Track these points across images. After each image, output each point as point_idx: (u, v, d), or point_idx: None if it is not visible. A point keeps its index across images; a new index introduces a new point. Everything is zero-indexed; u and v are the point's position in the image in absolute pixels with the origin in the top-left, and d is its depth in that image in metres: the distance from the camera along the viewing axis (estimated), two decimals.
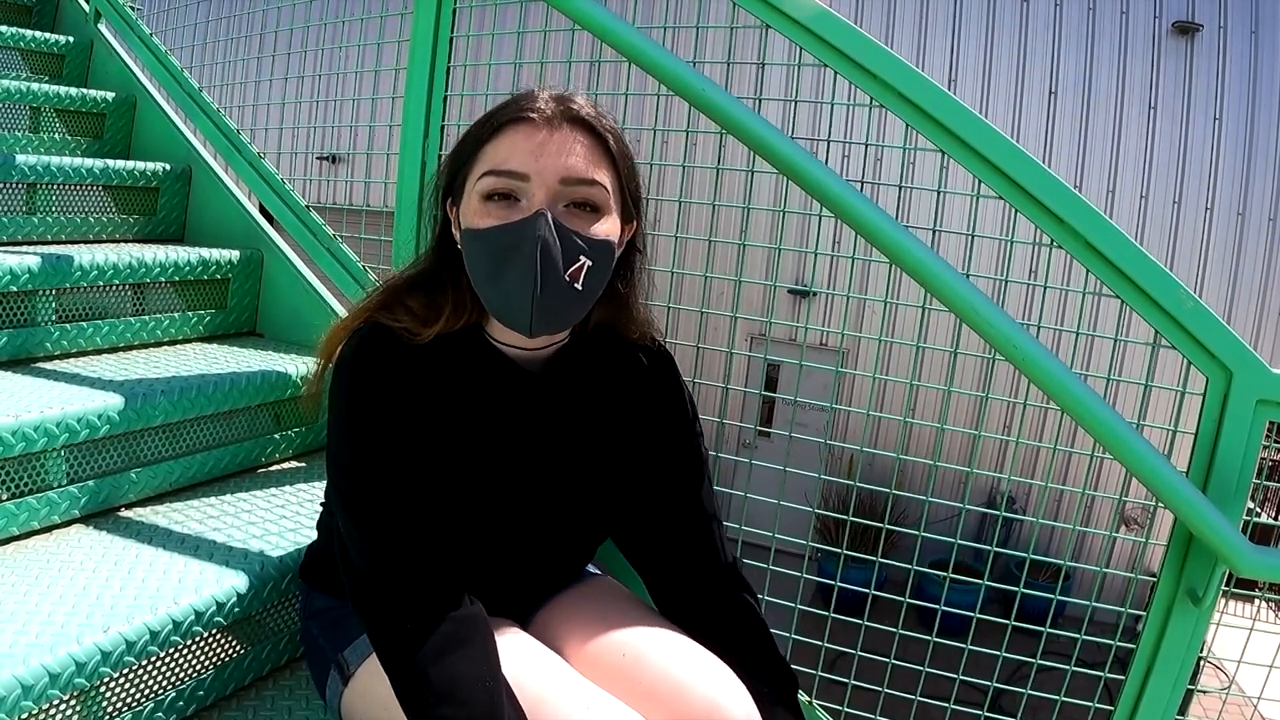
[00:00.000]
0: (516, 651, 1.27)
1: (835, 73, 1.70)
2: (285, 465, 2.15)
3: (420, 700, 1.16)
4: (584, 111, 1.24)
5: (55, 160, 2.34)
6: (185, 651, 1.47)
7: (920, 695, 1.94)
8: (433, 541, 1.26)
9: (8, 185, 2.28)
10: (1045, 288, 1.77)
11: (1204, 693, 1.87)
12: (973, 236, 1.77)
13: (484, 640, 1.21)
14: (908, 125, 1.66)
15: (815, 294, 8.43)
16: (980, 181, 1.64)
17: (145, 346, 2.26)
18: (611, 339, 1.42)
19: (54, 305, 2.06)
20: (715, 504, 1.49)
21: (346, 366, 1.28)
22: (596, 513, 1.45)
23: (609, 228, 1.24)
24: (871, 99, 1.68)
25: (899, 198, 6.90)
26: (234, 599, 1.51)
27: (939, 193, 1.76)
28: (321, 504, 1.53)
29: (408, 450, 1.26)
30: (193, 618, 1.43)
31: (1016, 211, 1.62)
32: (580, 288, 1.22)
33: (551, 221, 1.18)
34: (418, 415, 1.28)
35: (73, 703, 1.30)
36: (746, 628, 1.43)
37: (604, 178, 1.23)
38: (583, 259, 1.20)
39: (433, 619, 1.19)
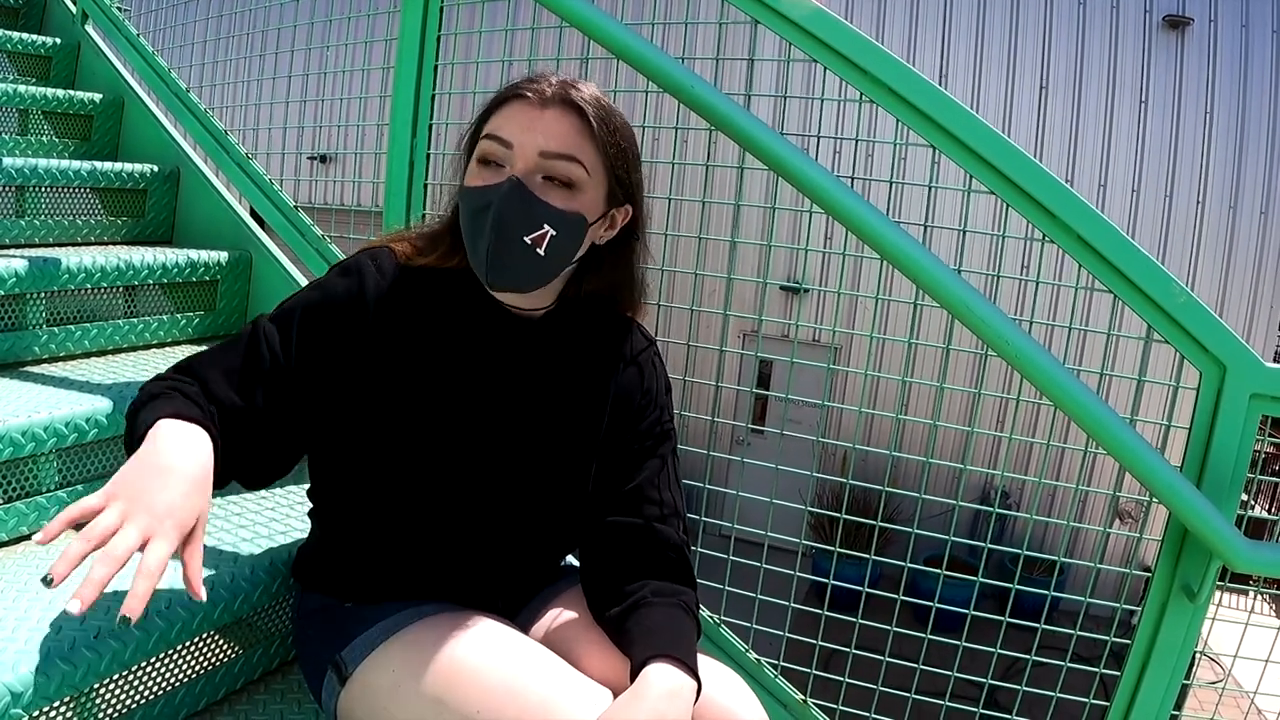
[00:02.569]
0: (519, 652, 1.27)
1: (825, 69, 1.69)
2: None
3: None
4: (578, 96, 1.31)
5: (43, 163, 2.33)
6: (176, 656, 1.46)
7: (915, 692, 1.94)
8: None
9: None
10: (1038, 283, 1.77)
11: (1200, 687, 1.86)
12: (964, 232, 1.77)
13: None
14: (898, 121, 1.66)
15: (807, 291, 8.44)
16: (972, 177, 1.64)
17: (135, 349, 2.25)
18: (601, 311, 1.47)
19: (43, 309, 2.05)
20: (671, 494, 1.47)
21: (343, 261, 1.39)
22: (570, 480, 1.44)
23: (582, 204, 1.31)
24: (862, 95, 1.67)
25: (890, 194, 6.91)
26: (224, 603, 1.49)
27: (930, 188, 1.76)
28: (308, 494, 1.53)
29: (326, 346, 1.33)
30: (183, 623, 1.42)
31: (1008, 207, 1.62)
32: (542, 253, 1.29)
33: (517, 184, 1.26)
34: (392, 335, 1.34)
35: (64, 709, 1.29)
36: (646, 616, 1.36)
37: (585, 157, 1.30)
38: (547, 227, 1.28)
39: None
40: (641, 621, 1.32)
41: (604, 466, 1.46)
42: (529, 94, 1.29)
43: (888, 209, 1.64)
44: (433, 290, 1.38)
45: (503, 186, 1.26)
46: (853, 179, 1.75)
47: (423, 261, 1.38)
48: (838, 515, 2.05)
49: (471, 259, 1.33)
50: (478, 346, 1.38)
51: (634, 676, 1.22)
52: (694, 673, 1.24)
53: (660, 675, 1.21)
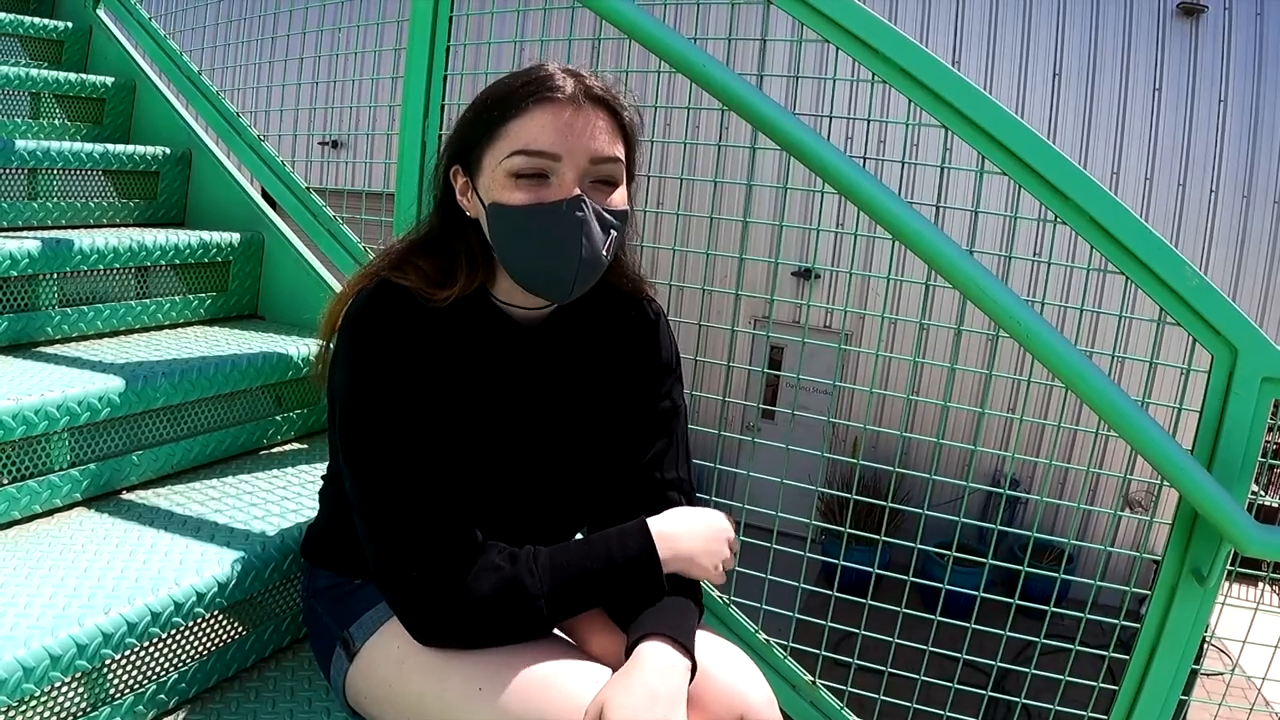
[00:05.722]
0: None
1: (838, 49, 1.69)
2: (287, 447, 2.15)
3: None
4: (600, 90, 1.29)
5: (55, 145, 2.33)
6: (187, 633, 1.47)
7: (924, 676, 1.94)
8: (452, 493, 1.27)
9: (8, 171, 2.27)
10: (1050, 264, 1.76)
11: (1208, 675, 1.86)
12: (977, 213, 1.76)
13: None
14: (911, 101, 1.65)
15: (818, 276, 8.42)
16: (984, 158, 1.63)
17: (146, 330, 2.26)
18: (604, 290, 1.45)
19: (55, 290, 2.06)
20: (679, 472, 1.47)
21: (355, 321, 1.30)
22: (592, 466, 1.45)
23: (623, 196, 1.32)
24: (874, 75, 1.67)
25: (902, 174, 6.88)
26: (235, 580, 1.50)
27: (942, 169, 1.75)
28: (323, 477, 1.53)
29: (423, 409, 1.28)
30: (194, 599, 1.43)
31: (1021, 188, 1.61)
32: (607, 255, 1.29)
33: (590, 206, 1.25)
34: (427, 374, 1.29)
35: (75, 685, 1.30)
36: None
37: (620, 152, 1.30)
38: (612, 232, 1.29)
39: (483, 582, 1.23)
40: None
41: (616, 444, 1.46)
42: (556, 95, 1.25)
43: (900, 190, 1.64)
44: (446, 320, 1.33)
45: (578, 207, 1.24)
46: (865, 159, 1.74)
47: (446, 295, 1.32)
48: (848, 496, 2.05)
49: (531, 277, 1.30)
50: (501, 364, 1.38)
51: (628, 654, 1.23)
52: (687, 650, 1.24)
53: (652, 652, 1.21)
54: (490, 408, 1.36)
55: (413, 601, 1.24)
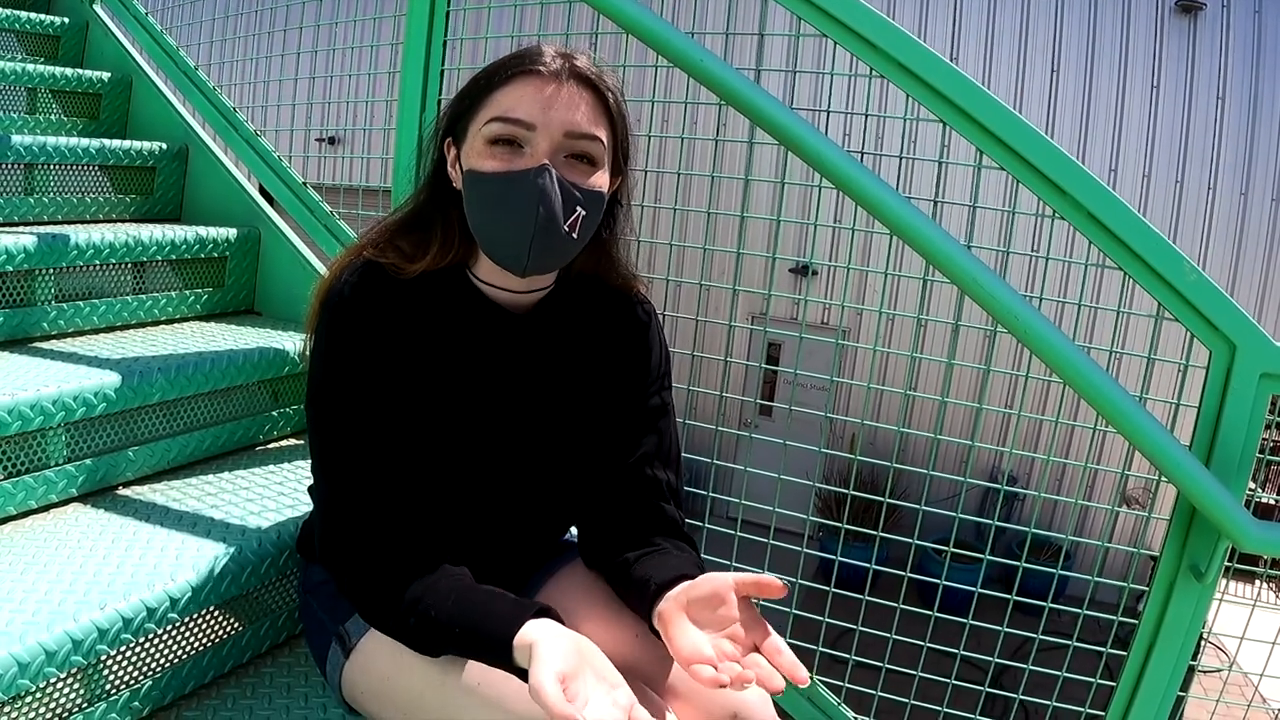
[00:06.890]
0: None
1: (836, 44, 1.68)
2: (283, 443, 2.14)
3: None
4: (588, 70, 1.29)
5: (52, 140, 2.33)
6: (183, 629, 1.47)
7: (921, 672, 1.94)
8: (409, 491, 1.29)
9: (4, 166, 2.26)
10: (1048, 259, 1.76)
11: (1205, 671, 1.86)
12: (975, 208, 1.76)
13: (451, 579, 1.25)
14: (909, 96, 1.65)
15: (815, 273, 8.41)
16: (982, 153, 1.63)
17: (143, 325, 2.25)
18: (595, 286, 1.46)
19: (51, 285, 2.05)
20: (668, 473, 1.47)
21: (332, 300, 1.32)
22: (575, 459, 1.45)
23: (601, 179, 1.30)
24: (872, 70, 1.66)
25: (900, 169, 6.88)
26: (232, 576, 1.50)
27: (940, 163, 1.75)
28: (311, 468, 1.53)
29: (386, 389, 1.29)
30: (190, 595, 1.43)
31: (1019, 183, 1.61)
32: (575, 236, 1.28)
33: (554, 175, 1.23)
34: (400, 352, 1.31)
35: (71, 681, 1.30)
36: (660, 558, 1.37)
37: (602, 133, 1.29)
38: (579, 209, 1.26)
39: (400, 579, 1.24)
40: (665, 560, 1.33)
41: (604, 442, 1.45)
42: (540, 69, 1.25)
43: (898, 185, 1.63)
44: (426, 299, 1.34)
45: (540, 175, 1.22)
46: (863, 154, 1.74)
47: (416, 269, 1.33)
48: (845, 492, 2.05)
49: (494, 245, 1.29)
50: (480, 347, 1.37)
51: (656, 597, 1.24)
52: None
53: None
54: (466, 389, 1.36)
55: (344, 582, 1.29)
